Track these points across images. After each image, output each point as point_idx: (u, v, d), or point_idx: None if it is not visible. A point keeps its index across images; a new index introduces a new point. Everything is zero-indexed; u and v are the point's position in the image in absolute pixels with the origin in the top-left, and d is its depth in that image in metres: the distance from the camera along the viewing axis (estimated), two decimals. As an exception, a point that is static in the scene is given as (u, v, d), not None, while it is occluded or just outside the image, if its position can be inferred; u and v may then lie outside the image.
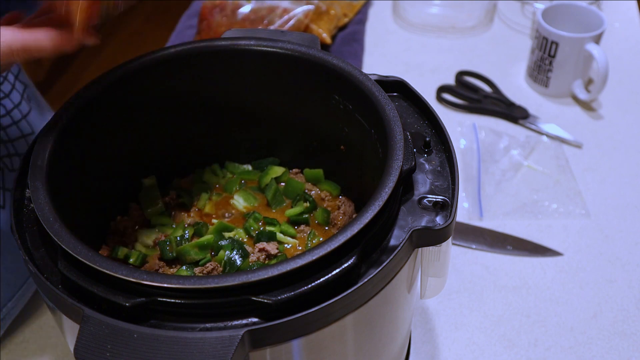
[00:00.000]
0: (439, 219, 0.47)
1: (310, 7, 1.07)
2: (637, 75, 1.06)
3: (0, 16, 0.63)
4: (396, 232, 0.46)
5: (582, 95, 0.98)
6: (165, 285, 0.40)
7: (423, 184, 0.50)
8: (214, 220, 0.63)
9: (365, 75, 0.54)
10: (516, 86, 1.04)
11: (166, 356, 0.39)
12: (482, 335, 0.71)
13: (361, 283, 0.42)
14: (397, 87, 0.57)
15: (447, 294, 0.75)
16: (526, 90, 1.03)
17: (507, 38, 1.14)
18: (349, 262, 0.42)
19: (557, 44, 0.95)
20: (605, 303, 0.74)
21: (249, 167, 0.68)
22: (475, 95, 1.00)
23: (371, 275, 0.43)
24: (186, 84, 0.60)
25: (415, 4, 1.18)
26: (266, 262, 0.57)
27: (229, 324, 0.41)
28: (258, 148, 0.67)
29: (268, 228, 0.61)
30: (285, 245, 0.60)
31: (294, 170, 0.67)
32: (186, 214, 0.64)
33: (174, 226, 0.62)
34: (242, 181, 0.66)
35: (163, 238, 0.60)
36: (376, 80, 0.54)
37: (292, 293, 0.40)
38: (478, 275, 0.77)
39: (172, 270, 0.58)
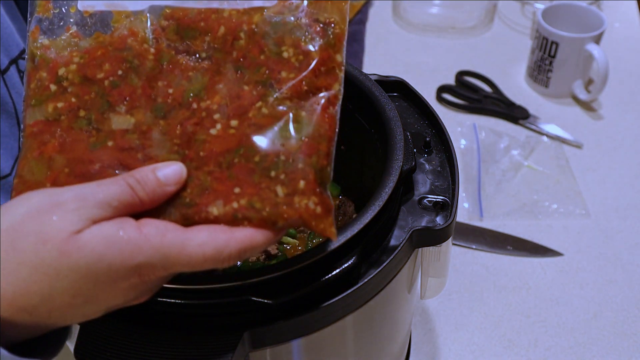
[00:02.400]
0: (439, 219, 0.47)
1: (310, 7, 1.06)
2: (637, 75, 1.06)
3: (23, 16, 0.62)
4: (396, 232, 0.46)
5: (582, 95, 0.98)
6: (166, 285, 0.40)
7: (423, 184, 0.50)
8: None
9: (365, 75, 0.54)
10: (516, 86, 1.04)
11: (166, 356, 0.39)
12: (482, 336, 0.71)
13: (361, 283, 0.42)
14: (397, 87, 0.57)
15: (447, 294, 0.75)
16: (526, 90, 1.03)
17: (507, 38, 1.14)
18: (349, 263, 0.42)
19: (557, 44, 0.95)
20: (605, 303, 0.74)
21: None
22: (475, 95, 1.00)
23: (371, 276, 0.43)
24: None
25: (415, 4, 1.18)
26: (266, 262, 0.57)
27: (230, 324, 0.41)
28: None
29: (268, 228, 0.61)
30: (285, 245, 0.60)
31: (294, 170, 0.67)
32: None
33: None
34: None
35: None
36: (376, 80, 0.54)
37: (293, 293, 0.40)
38: (478, 276, 0.77)
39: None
